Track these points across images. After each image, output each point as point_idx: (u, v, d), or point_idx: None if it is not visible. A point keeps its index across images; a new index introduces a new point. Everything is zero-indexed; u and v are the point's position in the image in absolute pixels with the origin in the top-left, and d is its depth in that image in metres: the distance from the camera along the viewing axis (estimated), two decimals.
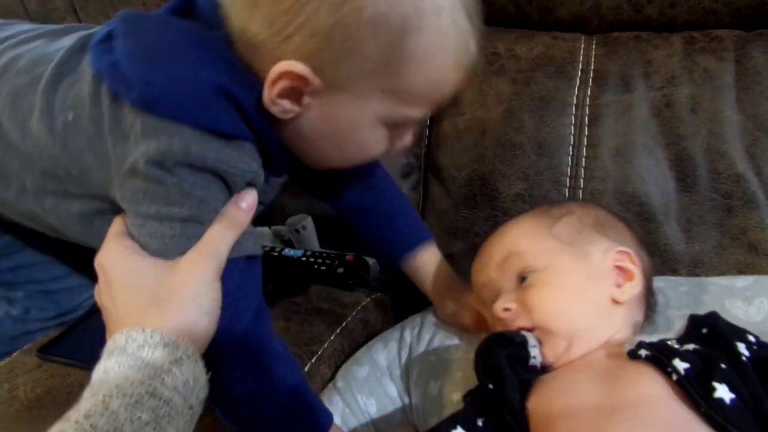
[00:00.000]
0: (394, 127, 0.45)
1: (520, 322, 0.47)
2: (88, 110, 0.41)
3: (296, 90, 0.40)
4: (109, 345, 0.37)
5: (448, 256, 0.74)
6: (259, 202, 0.45)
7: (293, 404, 0.46)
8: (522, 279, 0.49)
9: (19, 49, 0.49)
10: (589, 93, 0.68)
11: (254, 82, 0.40)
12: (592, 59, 0.70)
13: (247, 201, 0.42)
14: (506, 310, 0.48)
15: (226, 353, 0.42)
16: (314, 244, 0.81)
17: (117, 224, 0.42)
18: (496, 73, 0.72)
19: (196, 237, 0.40)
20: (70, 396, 0.54)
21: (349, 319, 0.67)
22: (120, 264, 0.40)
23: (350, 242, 0.80)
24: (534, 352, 0.45)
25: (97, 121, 0.41)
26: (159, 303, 0.38)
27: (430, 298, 0.64)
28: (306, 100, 0.41)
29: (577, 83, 0.69)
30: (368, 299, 0.72)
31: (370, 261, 0.76)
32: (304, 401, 0.47)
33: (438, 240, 0.75)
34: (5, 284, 0.66)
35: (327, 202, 0.63)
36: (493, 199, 0.70)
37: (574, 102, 0.68)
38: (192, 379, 0.37)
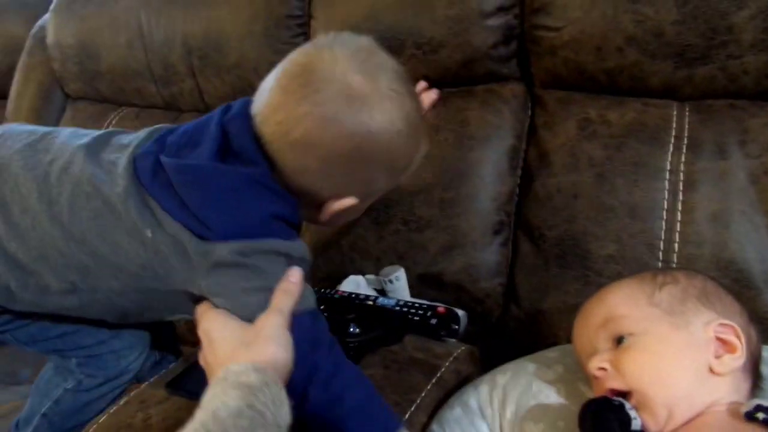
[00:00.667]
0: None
1: (613, 383, 0.49)
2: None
3: (347, 210, 0.58)
4: (212, 381, 0.47)
5: (538, 312, 0.77)
6: None
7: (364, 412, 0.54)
8: (618, 341, 0.51)
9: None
10: (683, 159, 0.70)
11: (292, 200, 0.56)
12: (686, 126, 0.72)
13: (296, 276, 0.54)
14: (601, 369, 0.50)
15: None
16: (405, 294, 0.85)
17: (203, 305, 0.54)
18: (588, 138, 0.75)
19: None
20: None
21: (443, 369, 0.70)
22: (217, 325, 0.52)
23: (437, 294, 0.85)
24: (633, 414, 0.47)
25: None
26: (247, 345, 0.50)
27: None
28: (329, 209, 0.58)
29: (671, 149, 0.71)
30: (460, 350, 0.75)
31: (460, 313, 0.79)
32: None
33: (527, 296, 0.78)
34: (58, 352, 0.70)
35: None
36: (584, 259, 0.72)
37: (668, 167, 0.70)
38: (279, 400, 0.46)
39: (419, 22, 0.83)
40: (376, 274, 0.87)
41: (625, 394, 0.49)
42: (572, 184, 0.75)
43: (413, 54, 0.85)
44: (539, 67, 0.82)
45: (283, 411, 0.46)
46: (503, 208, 0.82)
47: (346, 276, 0.88)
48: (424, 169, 0.84)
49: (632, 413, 0.47)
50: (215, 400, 0.44)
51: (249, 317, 0.52)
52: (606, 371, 0.50)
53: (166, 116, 1.12)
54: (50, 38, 1.17)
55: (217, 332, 0.52)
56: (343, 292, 0.84)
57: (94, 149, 0.58)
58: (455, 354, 0.74)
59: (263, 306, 0.51)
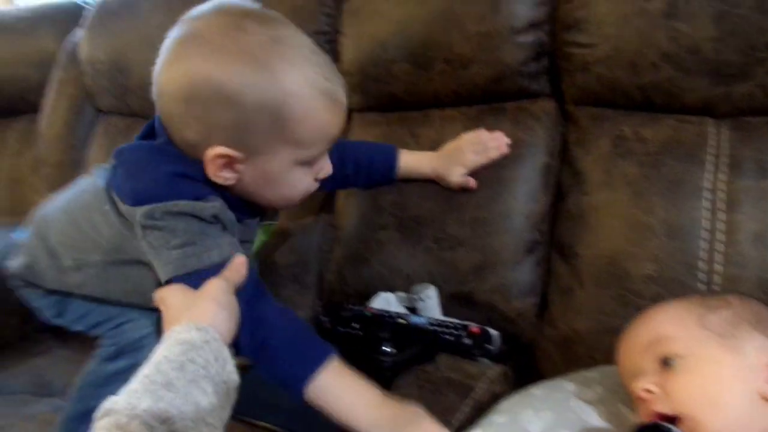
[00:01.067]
0: (307, 164, 0.63)
1: (660, 406, 0.48)
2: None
3: (229, 163, 0.60)
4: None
5: (574, 333, 0.76)
6: (244, 240, 0.66)
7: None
8: (665, 363, 0.50)
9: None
10: (723, 178, 0.69)
11: (200, 165, 0.60)
12: (724, 144, 0.71)
13: (241, 260, 0.60)
14: (647, 391, 0.49)
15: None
16: (437, 313, 0.84)
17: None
18: (623, 156, 0.74)
19: (195, 254, 0.58)
20: None
21: (477, 390, 0.69)
22: (170, 292, 0.58)
23: (468, 313, 0.84)
24: None
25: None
26: (190, 307, 0.54)
27: (435, 178, 0.84)
28: (239, 167, 0.61)
29: (710, 167, 0.70)
30: (493, 371, 0.74)
31: (493, 333, 0.78)
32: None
33: (562, 317, 0.77)
34: (93, 328, 0.75)
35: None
36: (621, 279, 0.71)
37: (708, 186, 0.69)
38: (221, 357, 0.50)
39: (449, 38, 0.83)
40: (407, 291, 0.86)
41: (673, 419, 0.48)
42: (607, 202, 0.74)
43: (443, 70, 0.85)
44: (571, 83, 0.81)
45: (227, 368, 0.50)
46: (537, 226, 0.82)
47: (375, 292, 0.88)
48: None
49: None
50: (158, 355, 0.48)
51: (177, 270, 0.58)
52: (653, 393, 0.49)
53: None
54: (83, 54, 1.20)
55: (170, 298, 0.57)
56: (374, 309, 0.84)
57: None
58: (489, 374, 0.73)
59: (188, 255, 0.58)
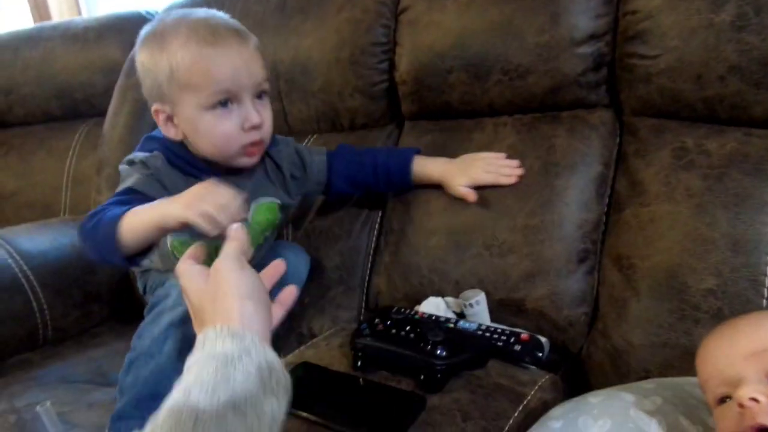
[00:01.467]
0: (219, 110, 0.75)
1: (763, 418, 0.46)
2: None
3: (167, 118, 0.78)
4: (197, 338, 0.50)
5: (627, 345, 0.74)
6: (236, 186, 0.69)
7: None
8: None
9: None
10: None
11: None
12: None
13: (237, 227, 0.61)
14: (753, 400, 0.47)
15: None
16: (485, 319, 0.84)
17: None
18: (685, 168, 0.73)
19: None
20: None
21: (529, 398, 0.69)
22: (183, 272, 0.57)
23: (517, 320, 0.84)
24: None
25: None
26: (212, 300, 0.52)
27: (441, 183, 0.88)
28: (175, 120, 0.78)
29: None
30: (544, 379, 0.73)
31: (543, 340, 0.78)
32: None
33: (615, 328, 0.76)
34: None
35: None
36: (680, 292, 0.70)
37: None
38: (264, 364, 0.46)
39: (507, 49, 0.84)
40: (456, 297, 0.87)
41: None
42: (668, 213, 0.73)
43: (499, 80, 0.86)
44: (631, 94, 0.81)
45: (275, 376, 0.47)
46: (589, 236, 0.81)
47: (424, 298, 0.89)
48: (507, 194, 0.85)
49: None
50: (191, 374, 0.45)
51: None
52: (758, 403, 0.47)
53: None
54: None
55: (185, 281, 0.56)
56: (423, 313, 0.85)
57: None
58: (540, 382, 0.72)
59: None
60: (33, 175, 1.48)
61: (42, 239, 1.17)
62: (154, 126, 1.36)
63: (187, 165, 0.79)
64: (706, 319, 0.68)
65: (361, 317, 0.98)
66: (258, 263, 0.75)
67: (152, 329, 0.76)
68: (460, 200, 0.88)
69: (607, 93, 0.84)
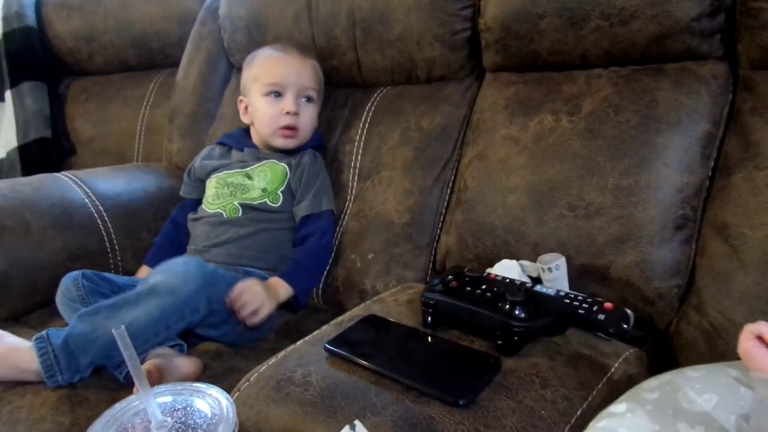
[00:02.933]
0: (270, 98, 1.03)
1: None
2: None
3: (245, 107, 1.08)
4: None
5: (728, 322, 0.67)
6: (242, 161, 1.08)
7: None
8: None
9: None
10: None
11: None
12: None
13: None
14: None
15: None
16: (564, 285, 0.79)
17: None
18: None
19: None
20: (356, 390, 0.60)
21: (613, 369, 0.64)
22: None
23: (599, 289, 0.78)
24: None
25: None
26: None
27: None
28: (249, 109, 1.08)
29: None
30: (629, 352, 0.68)
31: (629, 312, 0.72)
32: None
33: (714, 303, 0.69)
34: None
35: None
36: None
37: None
38: None
39: None
40: (533, 260, 0.82)
41: None
42: None
43: (598, 26, 0.78)
44: (751, 44, 0.72)
45: None
46: (689, 201, 0.74)
47: (497, 260, 0.84)
48: (598, 150, 0.78)
49: None
50: None
51: None
52: None
53: (324, 90, 1.14)
54: (223, 10, 1.24)
55: None
56: (497, 276, 0.80)
57: None
58: (624, 355, 0.67)
59: None
60: (109, 123, 1.52)
61: (116, 182, 1.20)
62: (226, 76, 1.39)
63: (239, 143, 1.09)
64: None
65: (427, 278, 0.95)
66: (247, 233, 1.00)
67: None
68: (543, 156, 0.82)
69: (721, 43, 0.75)
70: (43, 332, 0.75)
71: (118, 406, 0.51)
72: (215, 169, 1.07)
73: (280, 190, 1.02)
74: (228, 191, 1.03)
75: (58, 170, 1.18)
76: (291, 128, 1.02)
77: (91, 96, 1.56)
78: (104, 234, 1.10)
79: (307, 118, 1.03)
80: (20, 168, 1.51)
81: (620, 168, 0.76)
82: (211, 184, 1.06)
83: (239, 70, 1.31)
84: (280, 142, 1.03)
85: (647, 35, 0.76)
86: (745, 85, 0.73)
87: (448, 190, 0.96)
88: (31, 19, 1.55)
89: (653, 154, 0.74)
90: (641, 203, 0.74)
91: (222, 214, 1.01)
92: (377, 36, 1.01)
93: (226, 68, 1.31)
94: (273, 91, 1.02)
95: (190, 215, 1.07)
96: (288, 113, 1.01)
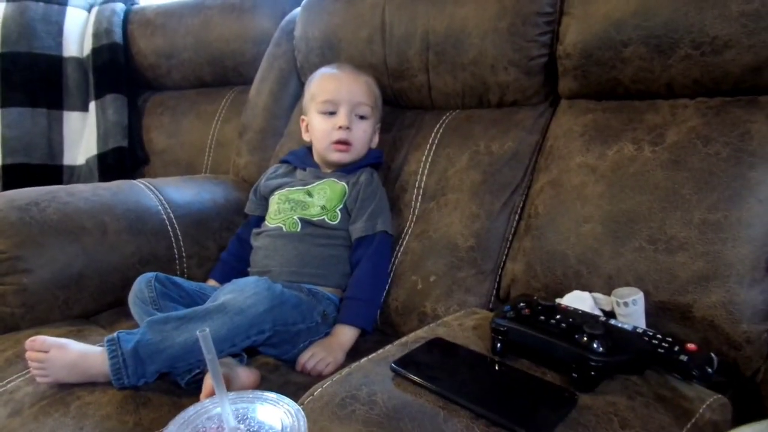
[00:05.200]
0: (324, 114, 1.06)
1: None
2: None
3: (306, 126, 1.13)
4: None
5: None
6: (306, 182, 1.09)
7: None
8: None
9: None
10: None
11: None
12: None
13: None
14: None
15: None
16: (640, 322, 0.75)
17: None
18: None
19: None
20: (423, 414, 0.58)
21: (697, 416, 0.60)
22: None
23: (677, 328, 0.74)
24: None
25: None
26: None
27: None
28: (308, 127, 1.12)
29: None
30: (713, 399, 0.63)
31: (713, 355, 0.68)
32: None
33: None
34: None
35: None
36: None
37: None
38: None
39: (703, 18, 0.74)
40: (605, 293, 0.78)
41: None
42: None
43: (687, 55, 0.76)
44: None
45: None
46: None
47: (566, 291, 0.81)
48: (685, 183, 0.75)
49: None
50: None
51: None
52: None
53: (392, 111, 1.16)
54: (298, 31, 1.28)
55: None
56: (568, 306, 0.77)
57: None
58: (708, 402, 0.62)
59: None
60: (182, 135, 1.59)
61: (187, 191, 1.24)
62: (296, 95, 1.43)
63: (302, 162, 1.12)
64: None
65: (490, 305, 0.93)
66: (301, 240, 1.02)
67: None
68: (622, 186, 0.79)
69: None
70: (114, 335, 0.78)
71: (192, 408, 0.52)
72: (278, 187, 1.10)
73: (339, 208, 1.03)
74: (289, 206, 1.05)
75: (132, 178, 1.24)
76: (344, 143, 1.04)
77: (167, 109, 1.64)
78: (173, 240, 1.14)
79: (360, 132, 1.05)
80: (98, 174, 1.60)
81: (708, 202, 0.72)
82: (274, 201, 1.08)
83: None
84: (335, 157, 1.05)
85: (741, 65, 0.73)
86: None
87: (516, 216, 0.94)
88: (118, 35, 1.65)
89: (745, 189, 0.70)
90: (730, 240, 0.70)
91: (282, 228, 1.03)
92: (450, 59, 1.01)
93: (297, 87, 1.34)
94: (327, 110, 1.05)
95: (254, 230, 1.09)
96: (340, 128, 1.03)
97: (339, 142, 1.04)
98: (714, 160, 0.73)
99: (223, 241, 1.21)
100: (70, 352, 0.77)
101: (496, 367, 0.65)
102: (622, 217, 0.78)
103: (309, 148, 1.14)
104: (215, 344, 0.76)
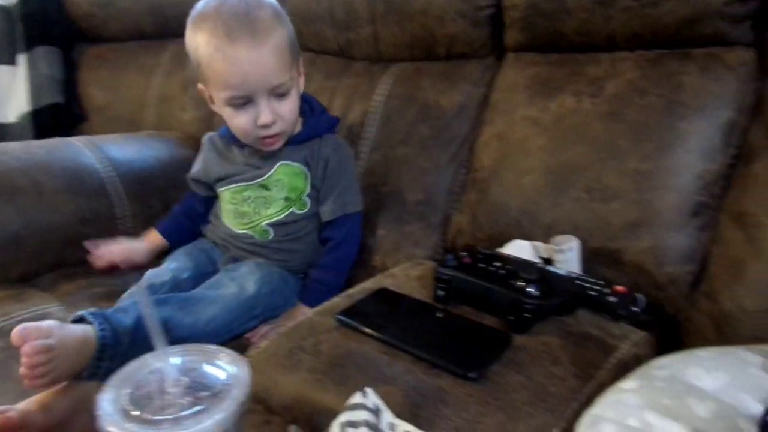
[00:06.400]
0: (236, 107, 0.83)
1: None
2: None
3: (210, 98, 0.87)
4: None
5: (738, 310, 0.67)
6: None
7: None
8: None
9: None
10: None
11: None
12: None
13: None
14: None
15: None
16: (576, 268, 0.79)
17: None
18: None
19: None
20: (367, 360, 0.60)
21: (623, 350, 0.64)
22: None
23: (610, 272, 0.78)
24: None
25: None
26: None
27: None
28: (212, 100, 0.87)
29: None
30: (639, 336, 0.68)
31: (639, 296, 0.72)
32: None
33: (727, 291, 0.69)
34: None
35: None
36: None
37: None
38: None
39: None
40: (545, 241, 0.81)
41: None
42: None
43: (628, 6, 0.77)
44: None
45: None
46: (708, 188, 0.73)
47: (508, 240, 0.84)
48: (620, 134, 0.77)
49: None
50: None
51: None
52: None
53: (338, 63, 1.14)
54: None
55: None
56: (508, 255, 0.80)
57: None
58: (633, 338, 0.67)
59: None
60: (122, 90, 1.51)
61: (129, 149, 1.20)
62: None
63: (235, 137, 0.90)
64: None
65: (438, 257, 0.95)
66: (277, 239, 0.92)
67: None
68: (563, 138, 0.81)
69: (751, 30, 0.74)
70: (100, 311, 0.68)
71: (133, 363, 0.52)
72: (225, 178, 0.94)
73: (305, 194, 0.91)
74: (250, 209, 0.91)
75: (70, 136, 1.18)
76: (272, 136, 0.86)
77: (105, 63, 1.55)
78: (115, 199, 1.11)
79: (286, 113, 0.85)
80: (33, 133, 1.51)
81: (641, 152, 0.75)
82: (226, 198, 0.94)
83: None
84: (266, 148, 0.88)
85: (677, 17, 0.75)
86: None
87: (463, 170, 0.95)
88: None
89: (676, 140, 0.73)
90: (660, 188, 0.73)
91: (253, 236, 0.92)
92: (398, 9, 0.99)
93: None
94: (238, 102, 0.82)
95: (213, 220, 0.99)
96: (264, 125, 0.83)
97: (267, 137, 0.86)
98: (649, 111, 0.75)
99: (169, 199, 1.18)
100: (69, 338, 0.62)
101: (439, 314, 0.68)
102: (561, 169, 0.80)
103: None
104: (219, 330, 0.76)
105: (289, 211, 0.91)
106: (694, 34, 0.75)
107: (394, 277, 0.80)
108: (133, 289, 0.48)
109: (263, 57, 0.79)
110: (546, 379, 0.57)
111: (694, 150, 0.73)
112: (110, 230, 1.09)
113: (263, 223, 0.91)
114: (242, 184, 0.92)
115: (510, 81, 0.92)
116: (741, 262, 0.68)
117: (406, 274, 0.80)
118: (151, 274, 0.85)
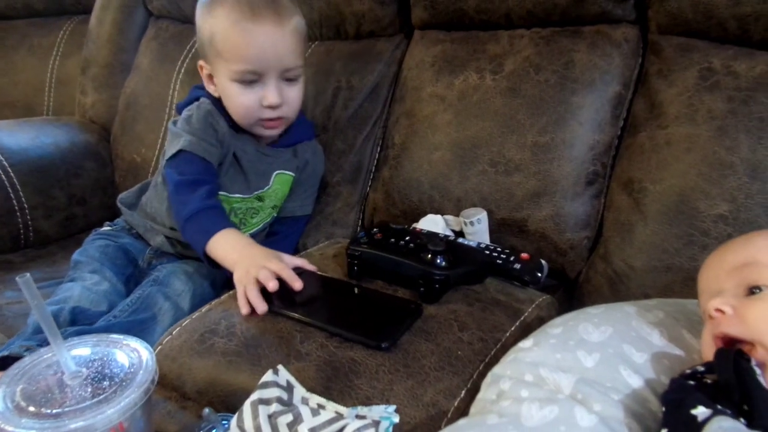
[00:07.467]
0: (243, 84, 0.80)
1: (729, 328, 0.45)
2: None
3: (209, 76, 0.85)
4: None
5: (629, 269, 0.73)
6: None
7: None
8: (751, 291, 0.47)
9: None
10: None
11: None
12: None
13: None
14: (718, 311, 0.46)
15: None
16: (485, 238, 0.83)
17: None
18: (710, 90, 0.70)
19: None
20: (281, 339, 0.60)
21: (526, 313, 0.68)
22: None
23: (517, 241, 0.82)
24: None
25: None
26: None
27: None
28: (215, 80, 0.84)
29: None
30: (541, 299, 0.72)
31: (543, 262, 0.77)
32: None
33: (618, 252, 0.75)
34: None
35: None
36: (691, 217, 0.68)
37: None
38: None
39: None
40: (456, 215, 0.84)
41: (738, 342, 0.45)
42: (686, 136, 0.70)
43: None
44: (660, 10, 0.76)
45: None
46: (600, 158, 0.78)
47: (422, 216, 0.86)
48: (519, 109, 0.81)
49: (757, 370, 0.44)
50: None
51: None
52: (724, 314, 0.46)
53: None
54: None
55: None
56: (421, 229, 0.82)
57: None
58: (537, 301, 0.71)
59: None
60: (14, 73, 1.40)
61: (24, 136, 1.11)
62: (143, 26, 1.31)
63: (228, 119, 0.85)
64: (714, 245, 0.66)
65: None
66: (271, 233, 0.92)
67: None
68: (468, 114, 0.84)
69: (634, 8, 0.79)
70: None
71: (28, 358, 0.49)
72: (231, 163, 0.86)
73: (285, 198, 0.93)
74: (237, 219, 0.88)
75: None
76: (274, 119, 0.83)
77: None
78: (10, 191, 1.03)
79: (294, 102, 0.84)
80: None
81: (538, 126, 0.79)
82: None
83: (157, 18, 1.24)
84: (264, 133, 0.85)
85: None
86: (653, 49, 0.78)
87: (378, 148, 0.97)
88: None
89: (569, 113, 0.78)
90: (557, 160, 0.78)
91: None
92: None
93: (143, 16, 1.23)
94: (246, 79, 0.80)
95: (151, 210, 0.91)
96: (270, 106, 0.81)
97: (269, 119, 0.83)
98: (544, 87, 0.79)
99: (71, 188, 1.11)
100: None
101: (352, 290, 0.69)
102: (467, 143, 0.83)
103: (218, 100, 0.85)
104: None
105: (270, 218, 0.91)
106: (582, 12, 0.80)
107: (309, 257, 0.80)
108: (17, 279, 0.45)
109: (284, 36, 0.80)
110: (454, 345, 0.60)
111: (585, 122, 0.78)
112: (8, 224, 1.02)
113: (248, 233, 0.86)
114: (237, 195, 0.86)
115: (417, 59, 0.93)
116: (630, 226, 0.74)
117: (321, 254, 0.81)
118: (77, 299, 0.77)
